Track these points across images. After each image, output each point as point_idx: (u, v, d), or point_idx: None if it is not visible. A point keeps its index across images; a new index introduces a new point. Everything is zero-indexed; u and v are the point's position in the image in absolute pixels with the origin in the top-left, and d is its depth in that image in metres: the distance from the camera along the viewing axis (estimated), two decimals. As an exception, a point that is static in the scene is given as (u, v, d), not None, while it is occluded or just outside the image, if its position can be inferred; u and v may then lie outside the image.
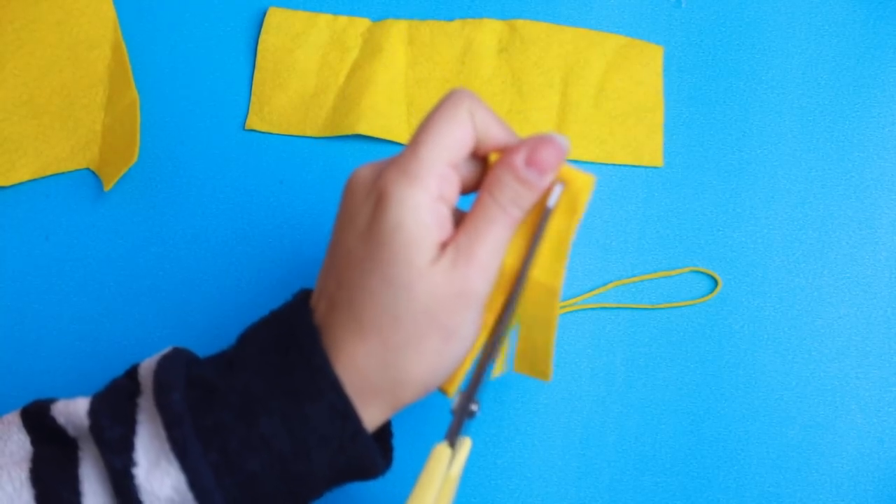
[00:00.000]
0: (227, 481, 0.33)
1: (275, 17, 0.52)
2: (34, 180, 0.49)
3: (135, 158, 0.49)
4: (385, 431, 0.38)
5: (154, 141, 0.50)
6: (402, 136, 0.50)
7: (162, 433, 0.33)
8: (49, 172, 0.49)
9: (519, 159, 0.34)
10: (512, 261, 0.36)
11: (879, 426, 0.46)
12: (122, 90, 0.50)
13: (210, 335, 0.47)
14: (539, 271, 0.36)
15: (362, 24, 0.52)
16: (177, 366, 0.35)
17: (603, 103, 0.50)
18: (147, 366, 0.36)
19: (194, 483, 0.33)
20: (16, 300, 0.48)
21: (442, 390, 0.37)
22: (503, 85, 0.50)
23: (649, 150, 0.49)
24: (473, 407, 0.36)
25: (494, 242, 0.34)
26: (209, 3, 0.52)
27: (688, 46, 0.51)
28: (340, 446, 0.34)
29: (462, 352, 0.34)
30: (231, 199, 0.49)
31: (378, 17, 0.52)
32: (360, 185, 0.35)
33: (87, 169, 0.50)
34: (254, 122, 0.50)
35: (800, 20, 0.51)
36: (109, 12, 0.52)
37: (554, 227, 0.36)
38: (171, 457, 0.33)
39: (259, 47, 0.51)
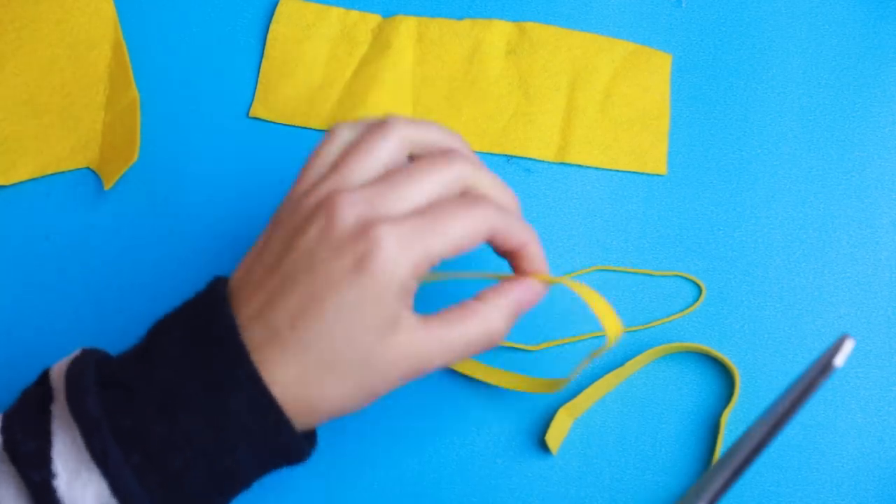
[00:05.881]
0: (152, 482, 0.33)
1: (287, 6, 0.52)
2: (34, 180, 0.49)
3: (135, 157, 0.49)
4: None
5: (154, 140, 0.50)
6: (405, 136, 0.50)
7: (79, 441, 0.33)
8: (49, 172, 0.49)
9: (524, 307, 0.38)
10: None
11: (879, 426, 0.46)
12: (123, 89, 0.50)
13: (211, 335, 0.47)
14: None
15: (373, 19, 0.52)
16: (87, 368, 0.34)
17: (609, 109, 0.50)
18: (58, 370, 0.35)
19: (117, 489, 0.32)
20: (16, 300, 0.48)
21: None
22: (510, 87, 0.50)
23: (653, 157, 0.49)
24: None
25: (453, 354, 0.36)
26: (209, 3, 0.52)
27: (689, 48, 0.51)
28: (264, 438, 0.34)
29: (372, 399, 0.36)
30: (232, 196, 0.49)
31: (390, 13, 0.52)
32: (349, 214, 0.34)
33: (88, 168, 0.50)
34: (258, 110, 0.50)
35: (800, 20, 0.52)
36: (110, 11, 0.51)
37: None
38: (91, 465, 0.32)
39: (269, 36, 0.51)
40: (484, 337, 0.36)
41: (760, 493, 0.45)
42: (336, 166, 0.36)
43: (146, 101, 0.50)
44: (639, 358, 0.45)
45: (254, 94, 0.51)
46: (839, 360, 0.32)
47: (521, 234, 0.37)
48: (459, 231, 0.35)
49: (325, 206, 0.35)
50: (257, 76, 0.51)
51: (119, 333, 0.48)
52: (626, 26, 0.51)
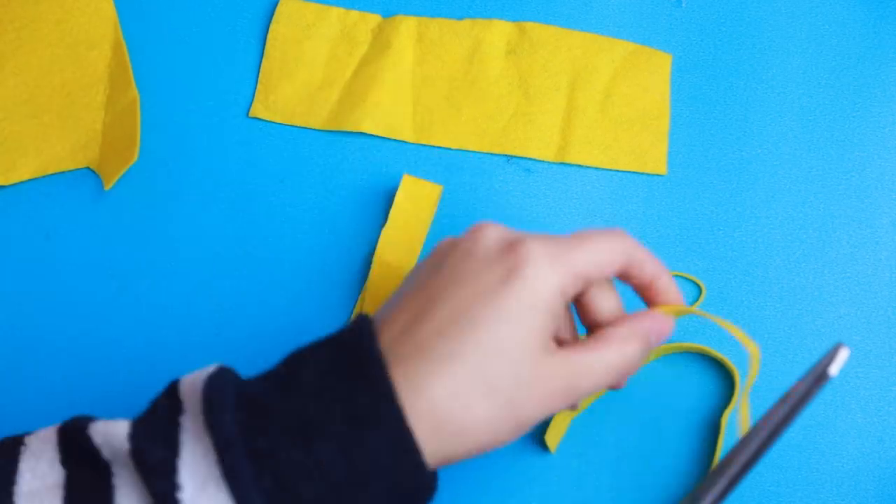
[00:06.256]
0: None
1: (287, 6, 0.52)
2: (34, 180, 0.49)
3: (135, 157, 0.49)
4: None
5: (154, 140, 0.50)
6: (407, 135, 0.50)
7: (211, 456, 0.32)
8: (49, 171, 0.49)
9: (654, 339, 0.38)
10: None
11: (879, 426, 0.46)
12: (123, 89, 0.50)
13: (212, 334, 0.47)
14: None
15: (373, 19, 0.52)
16: (227, 385, 0.34)
17: (609, 109, 0.50)
18: (190, 383, 0.34)
19: None
20: (16, 300, 0.48)
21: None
22: (510, 87, 0.50)
23: (653, 157, 0.49)
24: None
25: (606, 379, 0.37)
26: (209, 3, 0.52)
27: (689, 48, 0.51)
28: (399, 478, 0.33)
29: (518, 428, 0.35)
30: (232, 196, 0.49)
31: (390, 13, 0.52)
32: (494, 235, 0.36)
33: (88, 168, 0.50)
34: (258, 110, 0.50)
35: (800, 20, 0.52)
36: (110, 11, 0.51)
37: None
38: (221, 482, 0.32)
39: (269, 36, 0.51)
40: (622, 364, 0.36)
41: (760, 493, 0.45)
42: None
43: (146, 101, 0.50)
44: None
45: (254, 94, 0.51)
46: (834, 370, 0.32)
47: (655, 266, 0.38)
48: (601, 252, 0.36)
49: (472, 231, 0.36)
50: (257, 76, 0.51)
51: (119, 333, 0.48)
52: (626, 26, 0.51)
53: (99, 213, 0.49)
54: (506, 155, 0.50)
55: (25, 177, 0.49)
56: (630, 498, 0.45)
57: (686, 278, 0.48)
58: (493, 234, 0.36)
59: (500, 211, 0.49)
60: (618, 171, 0.49)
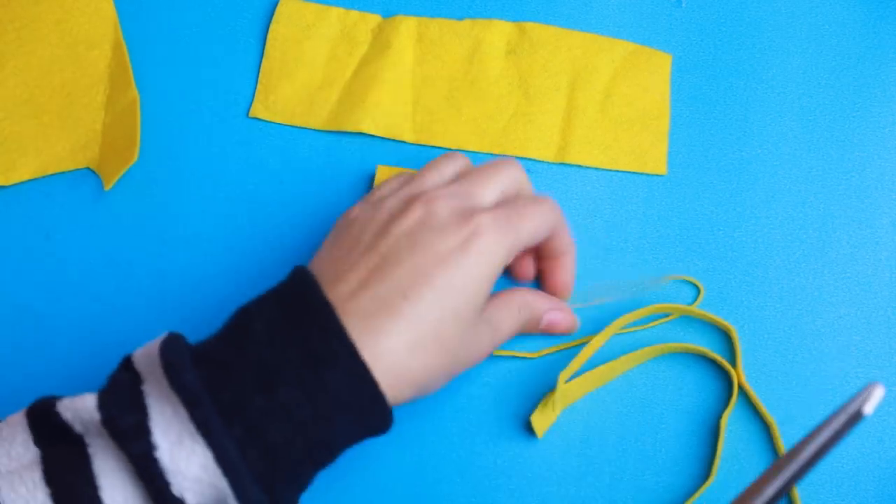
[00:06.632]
0: (252, 454, 0.34)
1: (287, 6, 0.52)
2: (34, 180, 0.49)
3: (135, 157, 0.49)
4: None
5: (154, 140, 0.50)
6: (407, 135, 0.50)
7: (182, 413, 0.33)
8: (49, 172, 0.49)
9: (545, 321, 0.44)
10: None
11: (879, 426, 0.46)
12: (123, 89, 0.50)
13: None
14: None
15: (373, 19, 0.52)
16: (181, 348, 0.35)
17: (609, 109, 0.50)
18: (145, 354, 0.36)
19: (221, 458, 0.33)
20: (16, 300, 0.48)
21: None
22: (510, 87, 0.50)
23: (653, 157, 0.49)
24: None
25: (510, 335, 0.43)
26: (209, 3, 0.52)
27: (689, 48, 0.51)
28: (360, 411, 0.35)
29: (448, 379, 0.39)
30: (232, 196, 0.49)
31: (390, 14, 0.52)
32: (445, 205, 0.39)
33: (88, 168, 0.50)
34: (258, 110, 0.50)
35: (800, 20, 0.52)
36: (110, 11, 0.51)
37: None
38: (197, 435, 0.33)
39: (269, 36, 0.51)
40: (527, 321, 0.44)
41: (760, 493, 0.45)
42: (457, 181, 0.41)
43: (146, 101, 0.50)
44: (635, 354, 0.45)
45: (254, 94, 0.51)
46: (868, 409, 0.32)
47: (569, 238, 0.44)
48: (538, 221, 0.40)
49: (422, 199, 0.39)
50: (257, 76, 0.51)
51: (119, 332, 0.48)
52: (626, 26, 0.51)
53: (99, 213, 0.49)
54: (506, 155, 0.50)
55: (25, 177, 0.49)
56: (630, 498, 0.45)
57: (685, 279, 0.48)
58: (445, 203, 0.39)
59: (500, 211, 0.49)
60: (618, 171, 0.49)
